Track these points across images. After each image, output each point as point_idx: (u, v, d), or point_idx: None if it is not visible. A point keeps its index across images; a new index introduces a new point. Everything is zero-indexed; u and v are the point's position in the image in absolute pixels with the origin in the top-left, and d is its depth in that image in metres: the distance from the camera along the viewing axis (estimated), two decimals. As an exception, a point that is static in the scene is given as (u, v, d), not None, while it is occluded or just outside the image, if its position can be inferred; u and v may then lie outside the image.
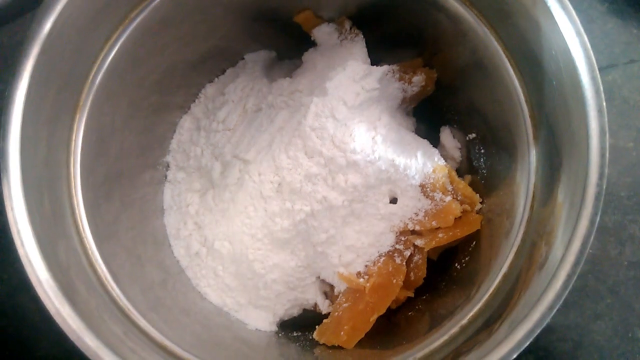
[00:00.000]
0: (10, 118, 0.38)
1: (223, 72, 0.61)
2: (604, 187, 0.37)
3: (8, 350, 0.59)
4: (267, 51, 0.61)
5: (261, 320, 0.55)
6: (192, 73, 0.58)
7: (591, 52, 0.38)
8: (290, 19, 0.55)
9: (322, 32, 0.55)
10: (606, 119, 0.37)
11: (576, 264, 0.36)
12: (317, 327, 0.52)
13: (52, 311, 0.36)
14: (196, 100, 0.60)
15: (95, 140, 0.47)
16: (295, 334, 0.55)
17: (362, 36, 0.55)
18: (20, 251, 0.37)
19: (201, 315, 0.52)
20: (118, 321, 0.42)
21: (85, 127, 0.45)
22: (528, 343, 0.36)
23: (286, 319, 0.56)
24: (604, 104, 0.38)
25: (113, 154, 0.50)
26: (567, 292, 0.36)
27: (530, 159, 0.45)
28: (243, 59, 0.60)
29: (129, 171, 0.53)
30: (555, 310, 0.36)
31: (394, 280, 0.50)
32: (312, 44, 0.57)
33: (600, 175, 0.37)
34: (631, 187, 0.63)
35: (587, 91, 0.38)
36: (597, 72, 0.38)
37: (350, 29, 0.55)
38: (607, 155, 0.37)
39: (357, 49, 0.54)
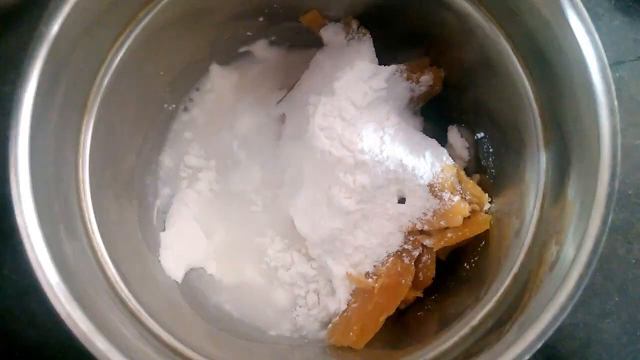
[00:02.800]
0: (19, 120, 0.38)
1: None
2: (616, 187, 0.37)
3: (16, 352, 0.59)
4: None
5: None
6: (202, 74, 0.57)
7: (602, 51, 0.38)
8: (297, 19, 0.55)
9: (330, 32, 0.55)
10: (618, 119, 0.37)
11: (588, 264, 0.36)
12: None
13: (62, 315, 0.36)
14: (206, 104, 0.60)
15: (104, 141, 0.46)
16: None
17: (370, 36, 0.54)
18: (30, 255, 0.36)
19: (213, 317, 0.52)
20: (128, 323, 0.41)
21: (93, 128, 0.45)
22: (540, 345, 0.36)
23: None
24: (616, 103, 0.37)
25: (122, 155, 0.50)
26: (579, 293, 0.36)
27: (540, 158, 0.45)
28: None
29: (138, 172, 0.53)
30: (567, 312, 0.36)
31: (403, 281, 0.50)
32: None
33: (612, 175, 0.37)
34: (639, 185, 0.63)
35: (598, 90, 0.38)
36: (609, 71, 0.37)
37: (358, 28, 0.55)
38: (619, 155, 0.37)
39: (365, 48, 0.53)
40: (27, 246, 0.37)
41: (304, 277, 0.55)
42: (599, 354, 0.60)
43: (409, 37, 0.55)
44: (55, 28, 0.39)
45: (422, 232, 0.51)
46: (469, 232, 0.50)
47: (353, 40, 0.54)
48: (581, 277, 0.36)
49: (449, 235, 0.50)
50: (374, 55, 0.54)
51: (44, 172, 0.40)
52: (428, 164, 0.51)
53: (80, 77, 0.43)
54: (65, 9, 0.39)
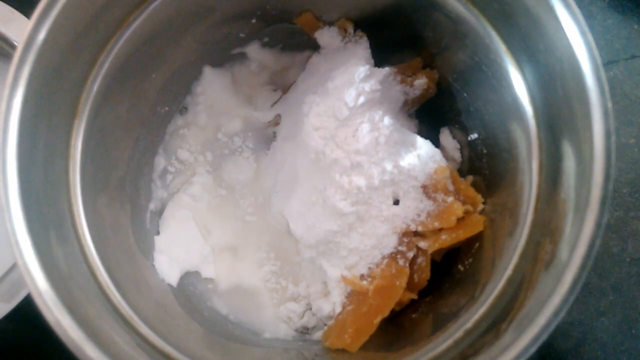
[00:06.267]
0: (8, 126, 0.38)
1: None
2: (611, 189, 0.36)
3: (16, 352, 0.58)
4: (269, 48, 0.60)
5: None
6: (195, 76, 0.57)
7: (596, 52, 0.37)
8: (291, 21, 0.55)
9: (326, 35, 0.55)
10: (612, 121, 0.37)
11: (583, 267, 0.36)
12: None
13: (51, 322, 0.35)
14: (199, 107, 0.60)
15: (95, 145, 0.46)
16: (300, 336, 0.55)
17: (366, 38, 0.54)
18: (19, 261, 0.36)
19: (208, 321, 0.52)
20: (120, 330, 0.41)
21: (84, 132, 0.44)
22: (537, 346, 0.35)
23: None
24: (610, 105, 0.37)
25: (113, 160, 0.49)
26: (574, 296, 0.36)
27: (533, 160, 0.45)
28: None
29: (131, 175, 0.52)
30: (562, 315, 0.36)
31: (397, 282, 0.50)
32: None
33: (606, 178, 0.36)
34: (633, 183, 0.63)
35: (591, 92, 0.37)
36: (603, 72, 0.37)
37: (355, 31, 0.54)
38: (614, 157, 0.36)
39: (361, 50, 0.53)
40: (16, 252, 0.36)
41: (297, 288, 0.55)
42: (594, 353, 0.60)
43: (402, 39, 0.55)
44: (43, 33, 0.38)
45: (416, 233, 0.51)
46: (464, 234, 0.50)
47: (350, 43, 0.54)
48: (576, 281, 0.36)
49: (444, 237, 0.50)
50: (370, 57, 0.54)
51: (33, 178, 0.39)
52: (422, 165, 0.51)
53: (70, 81, 0.43)
54: (54, 13, 0.38)
